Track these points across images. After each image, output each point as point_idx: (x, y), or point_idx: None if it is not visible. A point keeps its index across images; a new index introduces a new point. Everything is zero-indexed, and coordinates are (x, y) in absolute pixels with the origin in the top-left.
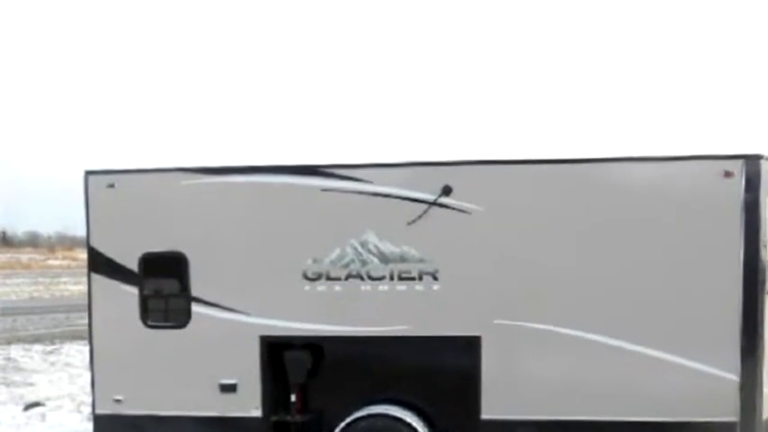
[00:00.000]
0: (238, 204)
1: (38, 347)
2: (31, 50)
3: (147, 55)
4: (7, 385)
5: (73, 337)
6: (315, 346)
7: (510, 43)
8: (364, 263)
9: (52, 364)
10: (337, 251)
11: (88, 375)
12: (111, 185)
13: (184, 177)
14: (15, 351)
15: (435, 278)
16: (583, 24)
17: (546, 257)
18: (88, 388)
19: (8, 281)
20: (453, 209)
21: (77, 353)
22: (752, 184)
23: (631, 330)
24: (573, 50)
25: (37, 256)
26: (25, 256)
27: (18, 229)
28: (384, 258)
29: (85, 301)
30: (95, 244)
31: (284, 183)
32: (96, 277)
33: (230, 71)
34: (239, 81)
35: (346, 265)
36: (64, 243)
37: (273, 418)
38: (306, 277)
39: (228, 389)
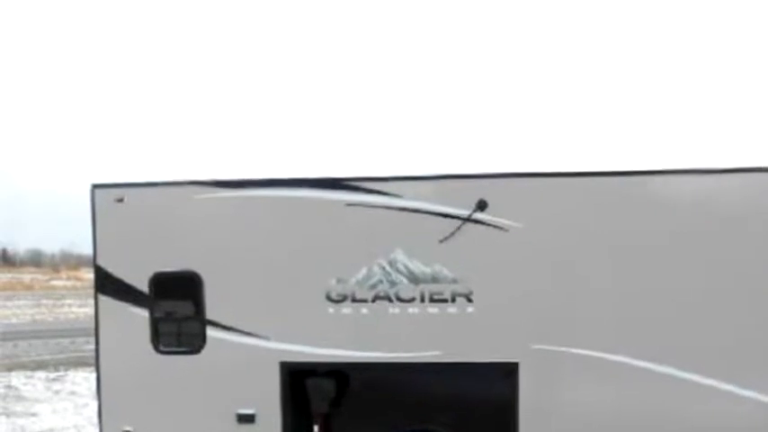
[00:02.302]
0: (256, 220)
1: (41, 375)
2: (34, 58)
3: (155, 63)
4: (8, 416)
5: (78, 363)
6: (339, 373)
7: (536, 48)
8: (393, 283)
9: (56, 392)
10: (364, 271)
11: (95, 405)
12: (120, 200)
13: (198, 191)
14: (17, 379)
15: (469, 300)
16: (610, 31)
17: (589, 278)
18: (95, 418)
19: (9, 303)
20: (489, 225)
21: (83, 380)
22: None
23: (682, 357)
24: (602, 56)
25: (40, 276)
26: (27, 275)
27: (19, 246)
28: (414, 278)
29: (92, 325)
30: (103, 263)
31: (306, 197)
32: (104, 299)
33: (243, 78)
34: (252, 88)
35: (373, 286)
36: (69, 262)
37: None
38: (330, 299)
39: (246, 419)
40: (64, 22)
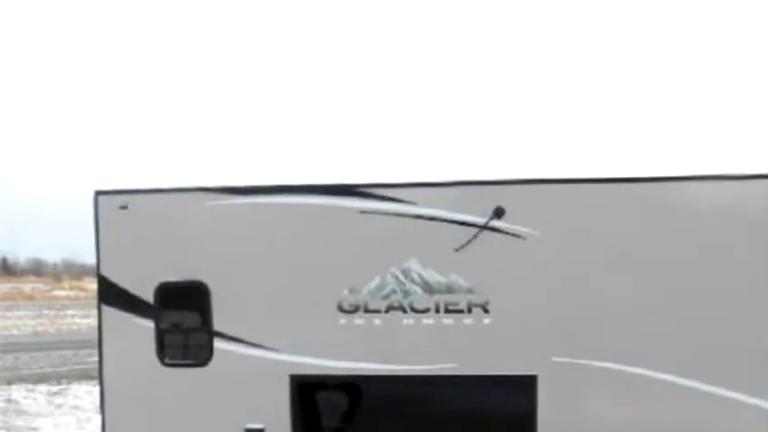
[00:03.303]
0: (266, 228)
1: (42, 388)
2: (36, 62)
3: (162, 66)
4: (8, 430)
5: (81, 376)
6: (351, 386)
7: (554, 53)
8: (407, 293)
9: (58, 406)
10: (377, 280)
11: (98, 419)
12: (124, 207)
13: (206, 198)
14: (17, 392)
15: (486, 311)
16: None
17: (610, 288)
18: None
19: (9, 313)
20: (506, 233)
21: (86, 394)
22: None
23: (706, 369)
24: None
25: (41, 286)
26: (28, 285)
27: (20, 255)
28: (429, 288)
29: (95, 337)
30: (106, 272)
31: (317, 204)
32: (107, 309)
33: (253, 82)
34: (263, 92)
35: (386, 296)
36: (71, 271)
37: None
38: (341, 309)
39: None
40: (65, 26)
